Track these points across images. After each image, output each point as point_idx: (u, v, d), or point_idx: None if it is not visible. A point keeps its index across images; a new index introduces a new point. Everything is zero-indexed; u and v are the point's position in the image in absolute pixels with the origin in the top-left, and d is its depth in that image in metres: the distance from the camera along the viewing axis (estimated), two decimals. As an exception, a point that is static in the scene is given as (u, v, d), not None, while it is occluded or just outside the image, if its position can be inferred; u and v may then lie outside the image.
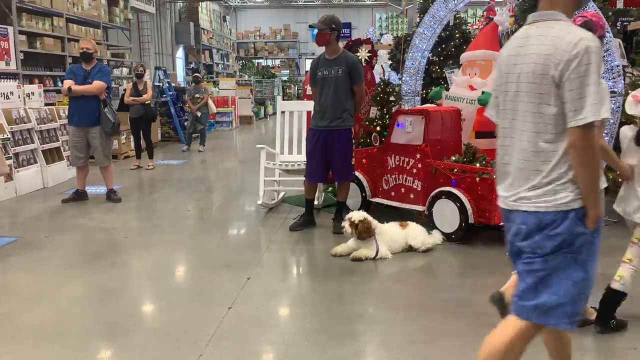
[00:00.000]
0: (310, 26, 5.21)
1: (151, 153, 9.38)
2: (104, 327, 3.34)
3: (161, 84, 12.85)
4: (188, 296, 3.83)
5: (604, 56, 5.26)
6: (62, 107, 8.62)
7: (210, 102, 12.11)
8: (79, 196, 6.70)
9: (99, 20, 14.24)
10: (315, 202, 5.77)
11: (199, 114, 11.57)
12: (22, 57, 10.90)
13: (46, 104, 9.00)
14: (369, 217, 4.61)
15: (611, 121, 5.27)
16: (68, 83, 6.40)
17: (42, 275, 4.24)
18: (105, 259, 4.60)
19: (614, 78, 5.26)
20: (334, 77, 5.14)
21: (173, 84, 14.08)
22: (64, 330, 3.29)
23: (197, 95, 11.69)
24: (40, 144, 7.67)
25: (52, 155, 7.92)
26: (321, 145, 5.22)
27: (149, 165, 9.18)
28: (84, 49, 6.50)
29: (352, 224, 4.55)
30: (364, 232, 4.52)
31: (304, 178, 5.52)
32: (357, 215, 4.59)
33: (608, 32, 5.29)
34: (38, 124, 7.67)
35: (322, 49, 5.26)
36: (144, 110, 9.09)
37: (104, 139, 6.59)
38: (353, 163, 5.35)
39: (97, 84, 6.39)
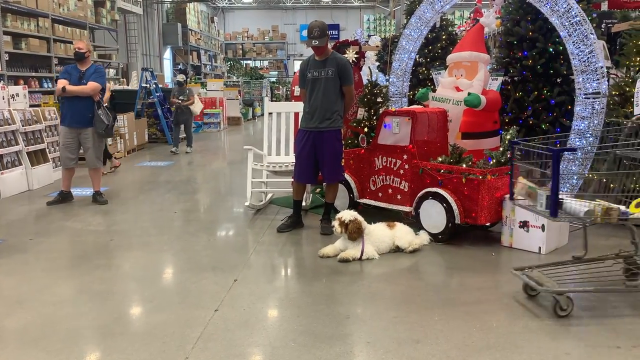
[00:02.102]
0: (310, 45, 5.15)
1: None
2: (89, 330, 3.31)
3: (148, 85, 12.78)
4: (174, 298, 3.81)
5: (589, 57, 5.32)
6: (48, 108, 8.55)
7: (197, 100, 11.98)
8: (64, 197, 6.64)
9: (85, 21, 14.16)
10: (303, 204, 5.77)
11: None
12: (7, 58, 10.81)
13: (31, 106, 8.90)
14: (359, 217, 4.61)
15: (596, 122, 5.32)
16: (62, 83, 6.35)
17: (26, 278, 4.20)
18: (90, 261, 4.56)
19: (598, 79, 5.31)
20: (324, 78, 5.15)
21: (160, 85, 14.00)
22: (48, 333, 3.26)
23: (181, 97, 11.61)
24: (25, 146, 7.59)
25: (37, 157, 7.84)
26: (310, 146, 5.22)
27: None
28: (77, 49, 6.49)
29: (342, 223, 4.55)
30: (355, 233, 4.51)
31: (291, 179, 5.51)
32: (348, 215, 4.59)
33: (592, 33, 5.35)
34: (23, 126, 7.59)
35: (311, 50, 5.27)
36: None
37: (97, 140, 6.55)
38: (342, 164, 5.35)
39: (91, 85, 6.35)
